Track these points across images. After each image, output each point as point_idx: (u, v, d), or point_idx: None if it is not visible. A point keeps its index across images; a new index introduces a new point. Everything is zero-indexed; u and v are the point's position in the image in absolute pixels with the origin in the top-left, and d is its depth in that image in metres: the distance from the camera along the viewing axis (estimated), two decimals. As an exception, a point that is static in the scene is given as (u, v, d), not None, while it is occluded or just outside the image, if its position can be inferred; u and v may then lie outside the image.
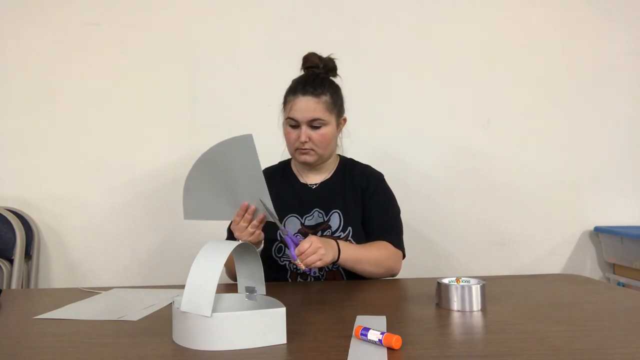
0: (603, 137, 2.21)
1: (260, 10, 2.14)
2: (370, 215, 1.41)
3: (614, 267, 2.17)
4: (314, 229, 1.38)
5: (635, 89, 2.21)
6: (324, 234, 1.37)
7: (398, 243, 1.40)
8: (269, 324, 0.79)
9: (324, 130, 1.36)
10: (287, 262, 1.38)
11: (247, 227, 1.20)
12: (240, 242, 0.88)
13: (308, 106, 1.34)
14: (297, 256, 1.16)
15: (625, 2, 2.21)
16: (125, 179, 2.11)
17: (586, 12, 2.21)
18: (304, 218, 1.40)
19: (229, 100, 2.12)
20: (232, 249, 0.83)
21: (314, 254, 1.16)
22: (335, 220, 1.38)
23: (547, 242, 2.19)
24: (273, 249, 1.38)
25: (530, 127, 2.19)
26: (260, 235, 1.25)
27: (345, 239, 1.37)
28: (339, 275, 1.39)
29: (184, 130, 2.12)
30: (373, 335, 0.77)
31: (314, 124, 1.34)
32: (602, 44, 2.21)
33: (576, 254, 2.20)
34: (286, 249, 1.36)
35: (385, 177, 1.51)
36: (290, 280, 1.39)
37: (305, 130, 1.34)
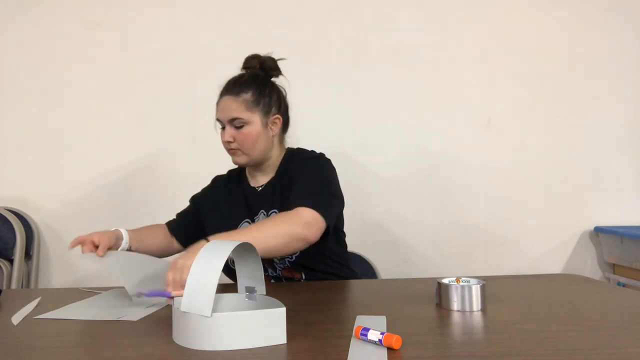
0: (603, 137, 2.21)
1: (260, 10, 2.14)
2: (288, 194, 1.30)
3: (614, 267, 2.17)
4: None
5: (635, 89, 2.22)
6: None
7: (310, 204, 1.21)
8: (269, 324, 0.79)
9: (246, 129, 1.33)
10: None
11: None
12: (240, 242, 0.87)
13: (227, 105, 1.34)
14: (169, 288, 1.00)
15: (626, 2, 2.22)
16: (126, 179, 2.11)
17: (586, 12, 2.21)
18: (254, 221, 1.38)
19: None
20: (232, 249, 0.83)
21: (181, 274, 0.98)
22: None
23: (547, 242, 2.19)
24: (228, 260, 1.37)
25: (530, 127, 2.19)
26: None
27: None
28: (297, 273, 1.35)
29: (184, 130, 2.12)
30: (373, 335, 0.77)
31: (235, 124, 1.33)
32: (603, 44, 2.21)
33: (576, 254, 2.20)
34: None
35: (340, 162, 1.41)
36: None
37: (228, 130, 1.34)
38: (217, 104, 1.38)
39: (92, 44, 2.12)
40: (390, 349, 0.75)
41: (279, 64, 1.44)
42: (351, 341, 0.79)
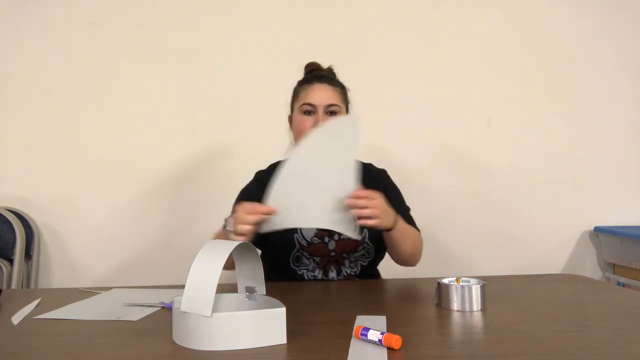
0: (603, 137, 2.21)
1: (260, 10, 2.14)
2: None
3: (614, 267, 2.17)
4: (329, 231, 1.34)
5: (635, 89, 2.22)
6: (341, 237, 1.34)
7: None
8: (269, 324, 0.79)
9: (339, 117, 1.37)
10: (305, 271, 1.36)
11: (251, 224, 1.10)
12: (240, 242, 0.87)
13: (326, 92, 1.37)
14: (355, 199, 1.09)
15: (625, 2, 2.22)
16: (125, 179, 2.11)
17: (586, 13, 2.21)
18: None
19: (229, 100, 2.12)
20: (232, 249, 0.83)
21: (370, 208, 1.10)
22: None
23: (547, 242, 2.19)
24: (290, 258, 1.35)
25: (531, 127, 2.19)
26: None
27: (362, 242, 1.34)
28: (355, 275, 1.37)
29: (184, 130, 2.12)
30: (373, 335, 0.77)
31: (331, 109, 1.37)
32: (602, 44, 2.21)
33: (576, 254, 2.20)
34: (305, 256, 1.35)
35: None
36: None
37: (322, 116, 1.35)
38: (304, 91, 1.39)
39: (92, 44, 2.12)
40: (390, 349, 0.75)
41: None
42: (351, 341, 0.79)
